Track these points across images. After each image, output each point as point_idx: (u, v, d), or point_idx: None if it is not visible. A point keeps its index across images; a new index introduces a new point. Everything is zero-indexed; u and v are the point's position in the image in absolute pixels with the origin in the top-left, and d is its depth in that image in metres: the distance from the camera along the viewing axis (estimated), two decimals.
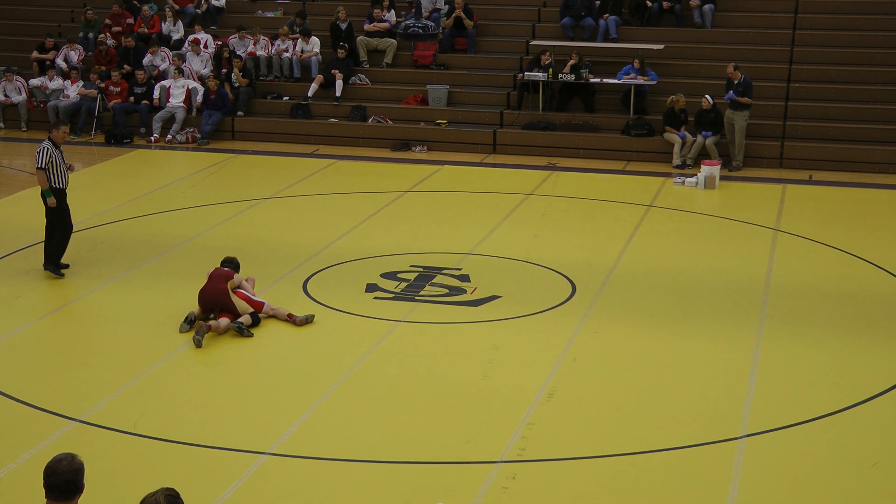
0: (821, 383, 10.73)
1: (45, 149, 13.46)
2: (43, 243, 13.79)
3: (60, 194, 13.60)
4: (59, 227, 13.61)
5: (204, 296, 12.12)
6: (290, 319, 12.12)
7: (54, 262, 13.62)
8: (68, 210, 13.70)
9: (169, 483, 5.94)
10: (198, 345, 11.42)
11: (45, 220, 13.66)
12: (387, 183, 18.78)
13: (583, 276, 13.80)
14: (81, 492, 5.46)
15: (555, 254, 14.73)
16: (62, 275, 13.58)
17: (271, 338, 11.80)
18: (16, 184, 18.76)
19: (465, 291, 13.29)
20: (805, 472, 8.96)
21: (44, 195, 13.51)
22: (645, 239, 15.53)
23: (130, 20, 24.75)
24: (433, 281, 13.63)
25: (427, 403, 10.22)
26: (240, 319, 11.84)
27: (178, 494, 5.34)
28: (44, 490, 5.44)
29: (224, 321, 11.83)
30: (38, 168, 13.48)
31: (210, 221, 15.85)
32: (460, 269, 14.08)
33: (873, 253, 14.90)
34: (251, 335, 11.75)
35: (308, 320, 12.14)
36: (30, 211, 16.86)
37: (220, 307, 12.02)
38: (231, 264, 12.55)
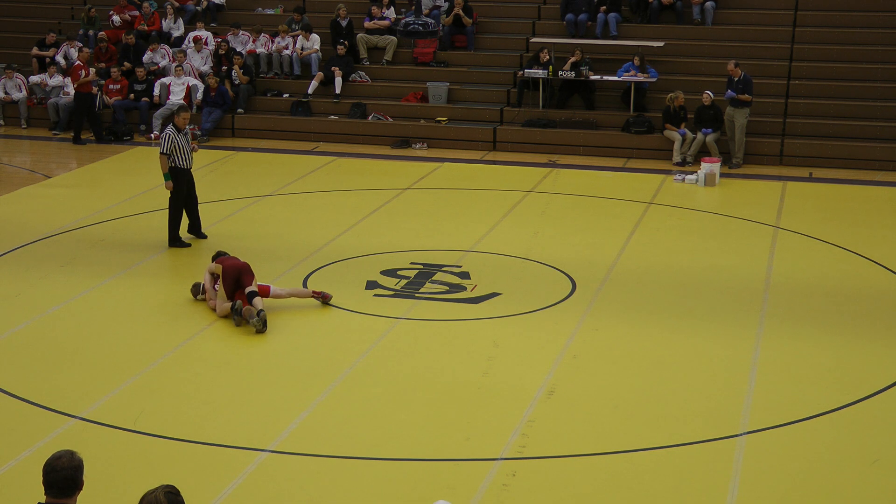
0: (821, 381, 10.73)
1: (168, 135, 14.68)
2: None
3: (184, 173, 14.76)
4: (182, 202, 14.81)
5: (231, 272, 12.24)
6: (319, 296, 12.53)
7: (196, 232, 15.07)
8: (193, 186, 14.97)
9: (169, 480, 5.94)
10: (261, 329, 11.77)
11: (167, 202, 14.95)
12: (387, 180, 18.78)
13: (583, 273, 13.80)
14: (81, 489, 5.46)
15: (555, 251, 14.73)
16: (206, 236, 15.06)
17: (271, 335, 11.80)
18: (16, 181, 18.76)
19: (465, 289, 13.28)
20: (805, 470, 8.96)
21: (165, 178, 14.74)
22: (645, 236, 15.52)
23: (135, 13, 24.75)
24: (433, 278, 13.63)
25: (427, 401, 10.22)
26: (259, 307, 11.92)
27: (178, 492, 5.33)
28: (43, 487, 5.43)
29: (248, 309, 12.01)
30: (160, 153, 14.70)
31: (210, 219, 15.84)
32: (460, 267, 14.08)
33: (873, 250, 14.90)
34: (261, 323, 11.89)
35: (324, 298, 12.60)
36: (30, 208, 16.88)
37: (241, 279, 12.21)
38: (220, 255, 12.87)
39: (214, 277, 12.44)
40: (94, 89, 21.96)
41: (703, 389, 10.49)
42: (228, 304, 12.10)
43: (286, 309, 12.42)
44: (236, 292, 12.22)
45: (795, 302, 12.93)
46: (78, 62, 21.78)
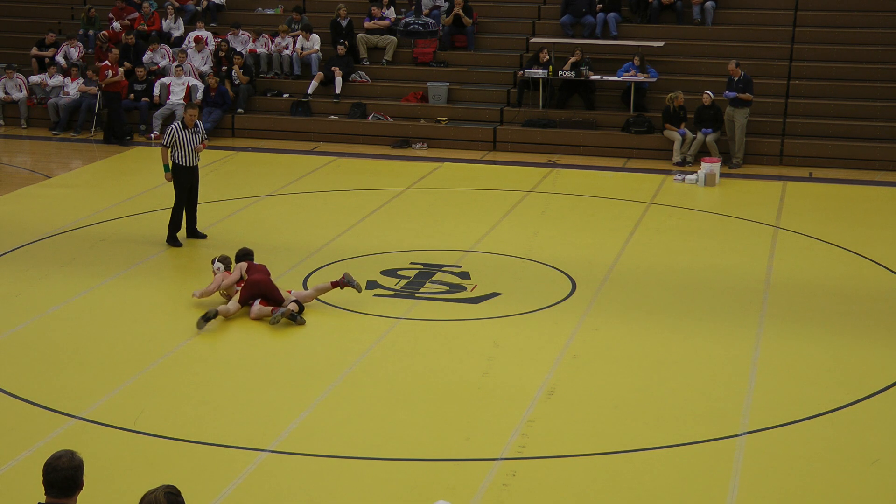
0: (821, 381, 10.73)
1: (171, 129, 14.80)
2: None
3: (186, 171, 14.78)
4: (184, 200, 14.84)
5: (250, 286, 12.25)
6: (340, 284, 12.49)
7: (192, 232, 15.06)
8: (196, 185, 14.96)
9: (169, 480, 5.94)
10: (276, 322, 11.93)
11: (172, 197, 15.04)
12: (387, 180, 18.78)
13: (583, 273, 13.80)
14: (81, 488, 5.46)
15: (555, 251, 14.73)
16: (205, 236, 15.08)
17: (271, 335, 11.80)
18: (16, 181, 18.76)
19: (465, 289, 13.28)
20: (805, 470, 8.96)
21: (165, 169, 14.92)
22: (645, 236, 15.52)
23: (133, 15, 24.76)
24: (433, 278, 13.63)
25: (427, 401, 10.22)
26: (290, 307, 12.01)
27: (178, 492, 5.33)
28: (43, 487, 5.43)
29: (260, 308, 12.11)
30: (162, 146, 14.96)
31: (210, 219, 15.84)
32: (460, 267, 14.07)
33: (873, 250, 14.90)
34: (304, 322, 11.97)
35: (349, 281, 12.52)
36: (30, 208, 16.88)
37: (266, 296, 12.22)
38: (248, 256, 12.84)
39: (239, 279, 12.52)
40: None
41: (704, 389, 10.49)
42: (234, 308, 12.08)
43: None
44: (261, 303, 12.25)
45: (795, 302, 12.93)
46: (106, 62, 21.73)
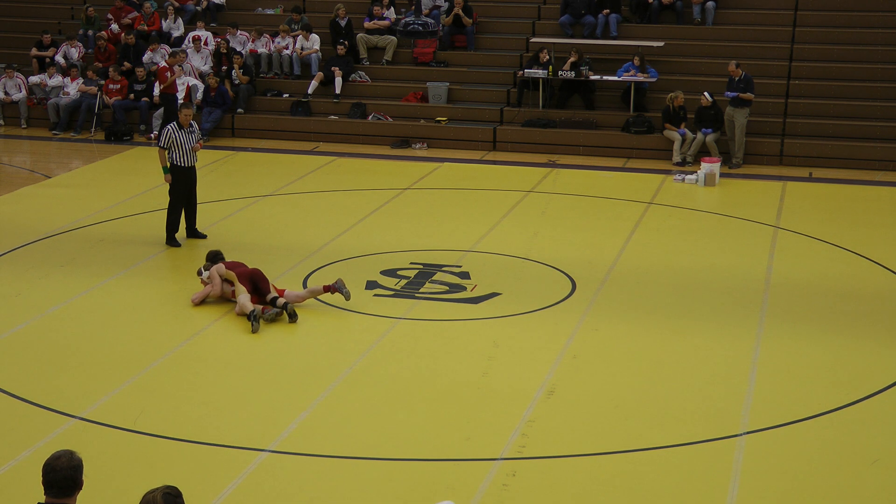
0: (821, 381, 10.73)
1: (167, 130, 14.78)
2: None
3: (184, 171, 14.78)
4: (183, 200, 14.86)
5: (246, 279, 12.37)
6: (332, 289, 12.44)
7: (192, 232, 15.06)
8: (194, 185, 14.93)
9: (169, 480, 5.94)
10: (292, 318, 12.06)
11: (167, 198, 15.03)
12: (387, 180, 18.78)
13: (583, 273, 13.80)
14: (80, 488, 5.46)
15: (555, 251, 14.73)
16: (205, 236, 15.04)
17: (271, 335, 11.80)
18: (16, 181, 18.77)
19: (465, 289, 13.28)
20: (805, 470, 8.96)
21: (164, 171, 14.88)
22: (645, 236, 15.52)
23: (133, 14, 24.76)
24: (433, 278, 13.63)
25: (427, 401, 10.22)
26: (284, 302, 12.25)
27: (179, 493, 5.32)
28: (43, 487, 5.43)
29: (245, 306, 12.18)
30: (159, 147, 14.86)
31: (210, 219, 15.85)
32: (460, 267, 14.08)
33: (873, 250, 14.90)
34: (296, 316, 12.13)
35: (340, 288, 12.44)
36: (30, 208, 16.88)
37: (257, 286, 12.35)
38: (220, 257, 12.96)
39: (226, 281, 12.54)
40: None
41: (703, 389, 10.49)
42: (250, 308, 12.08)
43: None
44: (252, 298, 12.27)
45: (795, 302, 12.93)
46: (164, 64, 21.63)
